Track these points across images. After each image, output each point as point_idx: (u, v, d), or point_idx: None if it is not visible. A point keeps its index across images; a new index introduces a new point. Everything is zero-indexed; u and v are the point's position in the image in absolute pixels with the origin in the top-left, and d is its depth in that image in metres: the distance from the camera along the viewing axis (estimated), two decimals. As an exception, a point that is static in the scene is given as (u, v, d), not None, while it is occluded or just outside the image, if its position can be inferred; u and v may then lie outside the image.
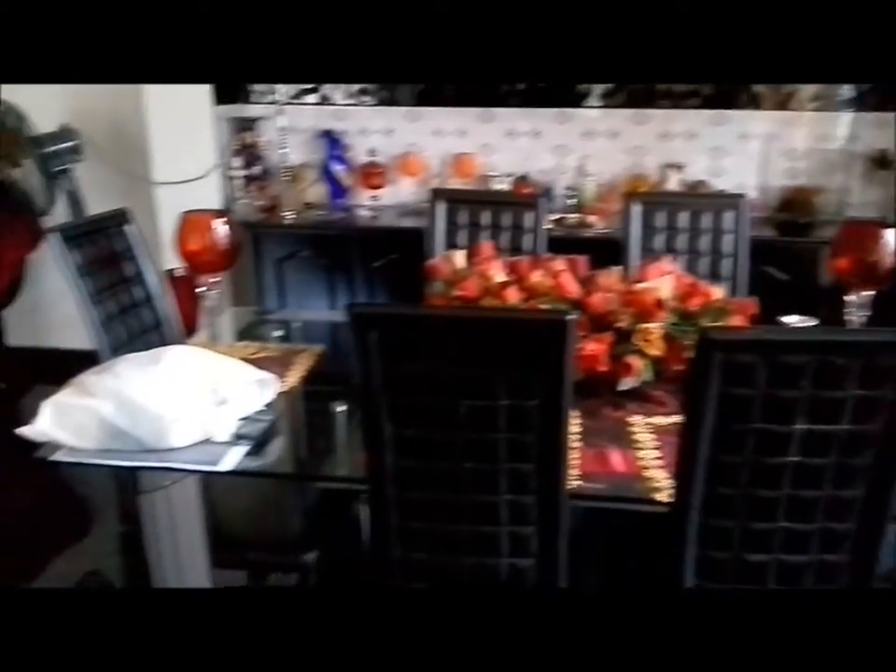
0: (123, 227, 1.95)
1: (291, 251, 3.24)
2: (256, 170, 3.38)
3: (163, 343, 1.98)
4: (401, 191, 3.46)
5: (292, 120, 3.27)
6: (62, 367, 3.72)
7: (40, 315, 3.78)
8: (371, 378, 1.23)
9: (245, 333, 2.14)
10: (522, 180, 3.30)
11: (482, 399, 1.23)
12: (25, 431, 1.50)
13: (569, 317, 1.16)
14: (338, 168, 3.35)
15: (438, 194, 2.33)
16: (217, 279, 1.79)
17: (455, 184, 3.35)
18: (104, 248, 1.90)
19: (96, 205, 3.24)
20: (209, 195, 3.29)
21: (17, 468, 2.97)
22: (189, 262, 1.77)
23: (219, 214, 1.79)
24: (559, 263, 1.74)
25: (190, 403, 1.50)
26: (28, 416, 3.57)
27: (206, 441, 1.50)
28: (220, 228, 1.73)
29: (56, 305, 3.75)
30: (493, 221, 2.26)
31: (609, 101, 3.26)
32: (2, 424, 3.52)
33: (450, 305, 1.58)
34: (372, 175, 3.34)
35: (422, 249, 3.12)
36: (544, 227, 2.27)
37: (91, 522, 2.72)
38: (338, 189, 3.38)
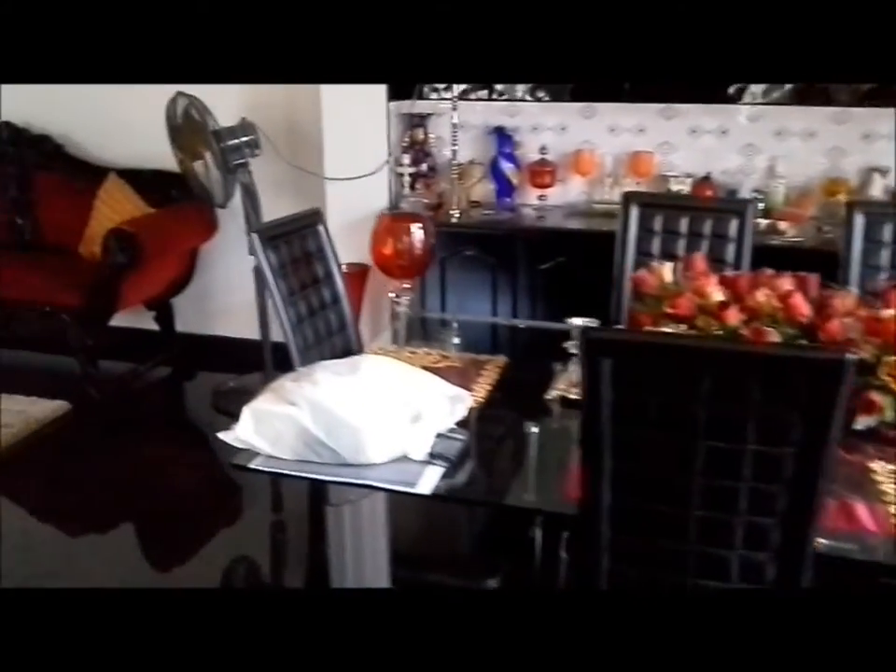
0: (317, 227, 1.92)
1: (454, 250, 3.17)
2: (423, 167, 3.33)
3: (346, 345, 1.94)
4: (570, 191, 3.31)
5: (462, 117, 3.19)
6: (225, 354, 3.86)
7: (207, 304, 3.90)
8: (600, 408, 1.12)
9: (417, 336, 2.07)
10: (704, 181, 3.08)
11: (725, 441, 1.09)
12: (225, 437, 1.48)
13: (849, 357, 0.99)
14: (507, 166, 3.24)
15: (630, 197, 2.19)
16: (409, 284, 1.72)
17: (629, 184, 3.17)
18: (297, 249, 1.87)
19: (268, 200, 3.30)
20: (377, 192, 3.27)
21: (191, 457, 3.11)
22: (381, 265, 1.71)
23: (417, 218, 1.72)
24: (785, 282, 1.56)
25: (387, 417, 1.44)
26: (192, 401, 3.74)
27: (402, 459, 1.43)
28: (417, 232, 1.65)
29: (222, 294, 3.87)
30: (691, 228, 2.09)
31: (804, 97, 2.98)
32: (169, 407, 3.72)
33: (692, 335, 1.43)
34: (542, 173, 3.21)
35: (591, 253, 3.00)
36: (751, 236, 2.08)
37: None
38: (505, 188, 3.28)
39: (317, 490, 1.49)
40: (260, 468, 1.46)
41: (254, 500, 2.84)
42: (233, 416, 3.24)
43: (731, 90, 2.99)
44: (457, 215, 3.14)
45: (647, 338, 1.16)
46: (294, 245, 1.87)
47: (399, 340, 1.86)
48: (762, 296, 1.53)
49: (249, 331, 3.65)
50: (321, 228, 1.95)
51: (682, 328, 1.52)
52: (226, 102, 3.29)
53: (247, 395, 3.37)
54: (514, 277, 3.11)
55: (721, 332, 1.50)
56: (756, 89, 2.97)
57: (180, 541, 2.60)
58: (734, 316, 1.51)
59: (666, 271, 1.65)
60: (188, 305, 3.87)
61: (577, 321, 1.63)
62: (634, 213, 2.15)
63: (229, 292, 3.81)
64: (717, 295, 1.54)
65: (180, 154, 3.21)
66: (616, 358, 1.07)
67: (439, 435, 1.49)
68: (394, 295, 1.74)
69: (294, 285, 1.86)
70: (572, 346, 1.64)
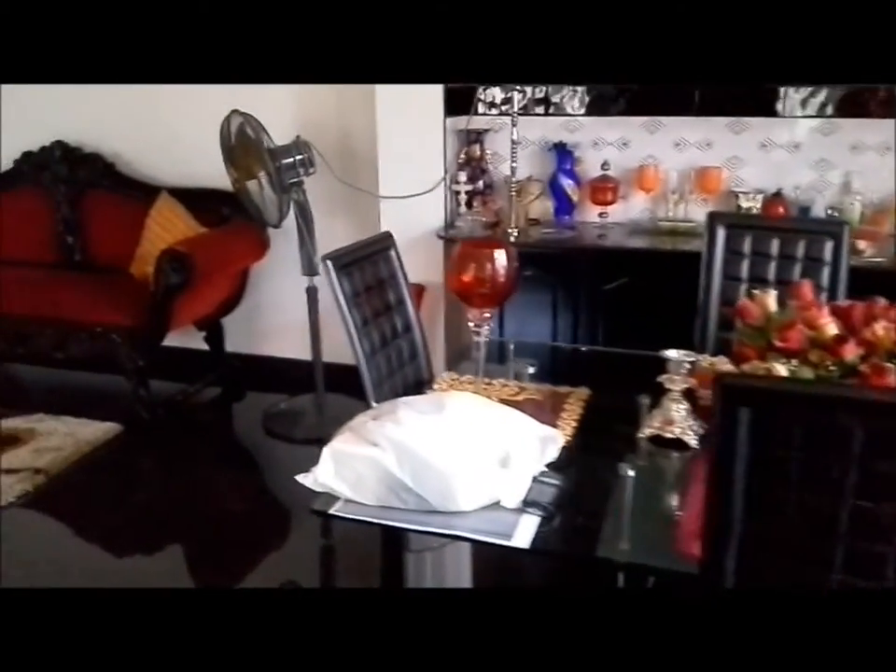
0: (389, 251, 1.84)
1: (512, 269, 3.07)
2: (480, 184, 3.24)
3: (417, 375, 1.85)
4: (632, 208, 3.20)
5: (520, 132, 3.10)
6: (275, 375, 3.80)
7: (257, 324, 3.85)
8: (733, 462, 1.01)
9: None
10: (775, 198, 2.95)
11: (876, 502, 0.97)
12: (304, 480, 1.39)
13: None
14: (566, 182, 3.15)
15: (717, 217, 2.08)
16: (489, 314, 1.63)
17: (695, 200, 3.05)
18: (370, 275, 1.79)
19: (321, 219, 3.24)
20: (432, 210, 3.20)
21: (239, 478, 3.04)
22: (459, 293, 1.62)
23: (499, 244, 1.63)
24: (903, 313, 1.43)
25: (477, 461, 1.34)
26: (242, 422, 3.69)
27: (493, 507, 1.33)
28: (500, 259, 1.56)
29: (272, 314, 3.81)
30: (782, 251, 1.97)
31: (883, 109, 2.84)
32: (219, 428, 3.66)
33: (846, 384, 1.31)
34: (603, 189, 3.11)
35: (655, 273, 2.88)
36: (847, 260, 1.95)
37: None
38: (565, 205, 3.18)
39: (389, 532, 1.40)
40: (341, 514, 1.37)
41: (302, 525, 2.77)
42: (284, 439, 3.25)
43: (799, 102, 2.87)
44: (515, 233, 3.04)
45: (794, 387, 1.05)
46: (367, 270, 1.78)
47: (477, 371, 1.76)
48: (880, 329, 1.40)
49: (299, 352, 3.59)
50: (393, 252, 1.87)
51: (793, 362, 1.40)
52: (280, 120, 3.24)
53: (298, 416, 3.37)
54: (575, 298, 3.01)
55: (835, 369, 1.39)
56: (826, 99, 2.84)
57: (228, 566, 2.54)
58: (851, 351, 1.39)
59: (770, 300, 1.53)
60: (238, 325, 3.82)
61: (672, 353, 1.51)
62: (720, 233, 2.04)
63: (279, 312, 3.76)
64: (831, 327, 1.42)
65: (234, 173, 3.16)
66: (756, 408, 0.96)
67: (532, 481, 1.38)
68: (472, 324, 1.64)
69: (367, 313, 1.77)
70: (667, 381, 1.53)
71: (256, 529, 2.75)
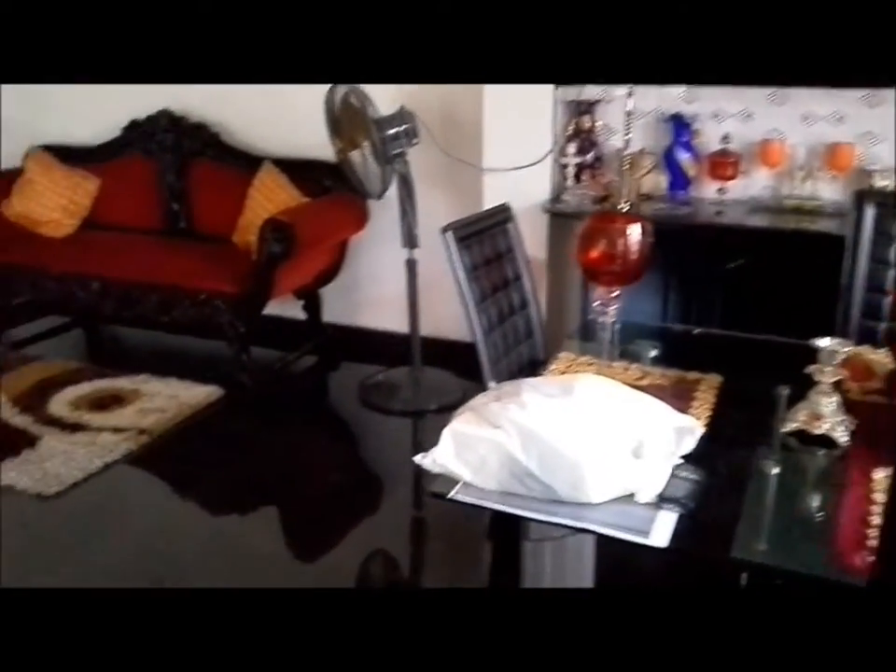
0: (507, 224, 1.76)
1: (621, 247, 2.94)
2: (589, 157, 3.12)
3: (532, 353, 1.78)
4: (754, 184, 3.02)
5: (635, 102, 2.95)
6: (371, 346, 3.79)
7: (355, 295, 3.84)
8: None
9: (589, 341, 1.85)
10: (915, 176, 2.72)
11: None
12: (423, 462, 1.34)
13: None
14: (683, 156, 2.99)
15: (865, 196, 1.91)
16: (617, 293, 1.53)
17: (824, 178, 2.86)
18: (489, 248, 1.72)
19: (422, 190, 3.18)
20: (538, 183, 3.09)
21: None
22: (587, 270, 1.53)
23: (633, 218, 1.52)
24: None
25: (609, 450, 1.26)
26: (338, 391, 3.70)
27: (625, 500, 1.25)
28: (633, 234, 1.46)
29: (370, 286, 3.79)
30: (937, 235, 1.80)
31: None
32: (315, 397, 3.68)
33: None
34: (723, 164, 2.94)
35: (777, 254, 2.71)
36: None
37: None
38: (680, 180, 3.02)
39: (502, 518, 1.33)
40: (461, 498, 1.31)
41: (395, 496, 2.75)
42: (379, 410, 3.23)
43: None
44: (626, 209, 2.91)
45: None
46: (485, 244, 1.71)
47: (601, 353, 1.66)
48: None
49: (396, 324, 3.57)
50: (511, 226, 1.79)
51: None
52: (384, 89, 3.18)
53: (394, 389, 3.35)
54: (689, 278, 2.86)
55: None
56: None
57: (320, 533, 2.54)
58: None
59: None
60: (336, 295, 3.81)
61: (824, 342, 1.39)
62: (869, 213, 1.87)
63: (377, 284, 3.73)
64: None
65: (338, 143, 3.13)
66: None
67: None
68: (598, 303, 1.54)
69: (485, 288, 1.70)
70: (817, 371, 1.41)
71: (349, 498, 2.74)
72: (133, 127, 3.94)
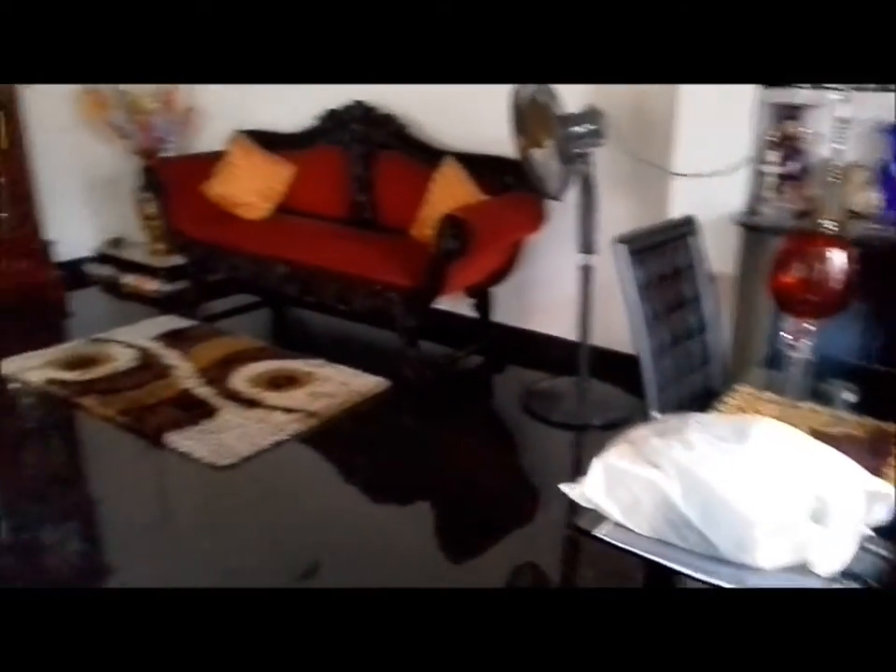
0: (690, 238, 1.63)
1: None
2: (793, 167, 2.85)
3: (707, 383, 1.63)
4: None
5: (850, 109, 2.66)
6: (539, 351, 3.71)
7: (526, 297, 3.77)
8: None
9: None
10: None
11: None
12: (569, 492, 1.26)
13: None
14: (904, 171, 2.66)
15: None
16: (812, 326, 1.36)
17: None
18: (667, 264, 1.59)
19: (603, 193, 3.06)
20: (732, 192, 2.87)
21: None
22: (779, 297, 1.37)
23: (837, 241, 1.35)
24: None
25: (785, 510, 1.11)
26: (501, 394, 3.66)
27: (797, 569, 1.11)
28: (836, 260, 1.29)
29: (543, 289, 3.71)
30: None
31: None
32: (478, 397, 3.67)
33: None
34: (952, 183, 2.58)
35: None
36: None
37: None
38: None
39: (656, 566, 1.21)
40: (608, 538, 1.22)
41: (549, 509, 2.67)
42: (540, 419, 3.15)
43: None
44: (831, 226, 2.63)
45: None
46: (663, 258, 1.59)
47: (785, 390, 1.50)
48: None
49: (566, 331, 3.47)
50: (694, 240, 1.65)
51: None
52: (573, 87, 3.08)
53: (558, 398, 3.26)
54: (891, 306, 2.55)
55: None
56: None
57: (470, 536, 2.54)
58: None
59: None
60: (506, 296, 3.77)
61: None
62: None
63: (550, 287, 3.65)
64: None
65: (522, 140, 3.07)
66: None
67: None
68: (789, 335, 1.38)
69: (658, 306, 1.58)
70: None
71: (501, 505, 2.70)
72: (330, 117, 4.09)
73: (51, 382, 3.32)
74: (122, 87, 4.54)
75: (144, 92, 4.53)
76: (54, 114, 4.55)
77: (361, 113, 3.94)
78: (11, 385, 3.37)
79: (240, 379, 3.36)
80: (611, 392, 3.26)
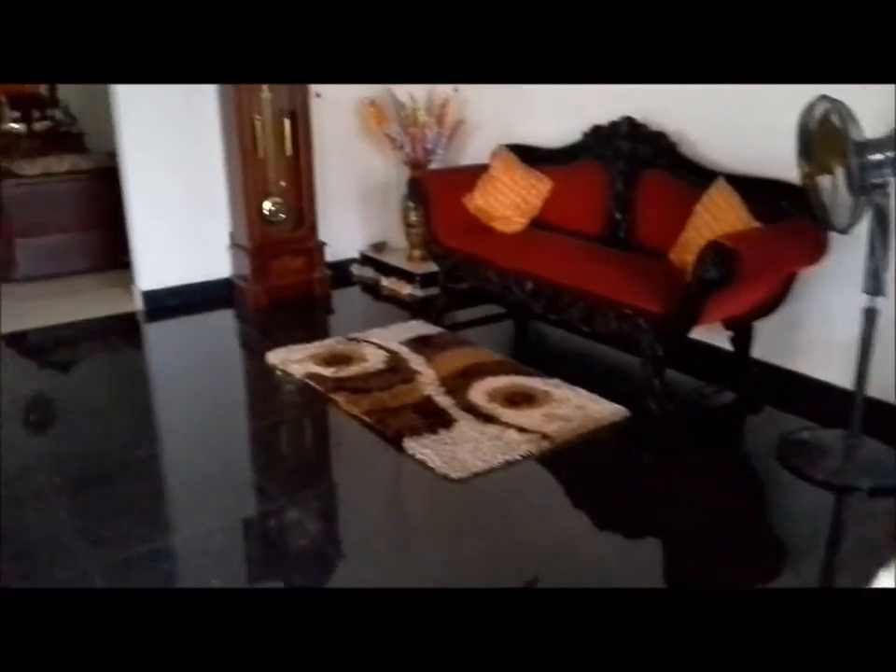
0: None
1: None
2: None
3: None
4: None
5: None
6: (802, 395, 3.33)
7: (794, 335, 3.41)
8: None
9: None
10: None
11: None
12: (885, 580, 1.05)
13: None
14: None
15: None
16: None
17: None
18: None
19: (903, 227, 2.66)
20: None
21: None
22: None
23: None
24: None
25: None
26: (753, 438, 3.33)
27: None
28: None
29: (814, 328, 3.33)
30: None
31: None
32: (726, 438, 3.37)
33: None
34: None
35: None
36: None
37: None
38: None
39: None
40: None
41: (795, 571, 2.35)
42: (797, 473, 2.82)
43: None
44: None
45: None
46: None
47: None
48: None
49: (838, 377, 3.10)
50: None
51: None
52: (874, 109, 2.72)
53: (821, 452, 2.89)
54: None
55: None
56: None
57: (699, 582, 2.33)
58: None
59: None
60: (771, 331, 3.44)
61: None
62: None
63: (823, 326, 3.27)
64: None
65: (806, 165, 2.76)
66: None
67: None
68: None
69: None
70: None
71: (740, 558, 2.44)
72: (595, 132, 3.99)
73: (310, 375, 3.56)
74: (401, 99, 4.79)
75: (419, 105, 4.74)
76: (337, 123, 4.91)
77: (629, 129, 3.80)
78: (277, 375, 3.67)
79: (478, 392, 3.38)
80: (886, 453, 2.84)
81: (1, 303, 4.59)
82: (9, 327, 4.31)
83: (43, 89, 7.01)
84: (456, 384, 3.46)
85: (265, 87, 4.38)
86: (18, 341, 4.20)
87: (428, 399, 3.32)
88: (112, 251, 5.12)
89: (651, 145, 3.73)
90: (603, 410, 3.23)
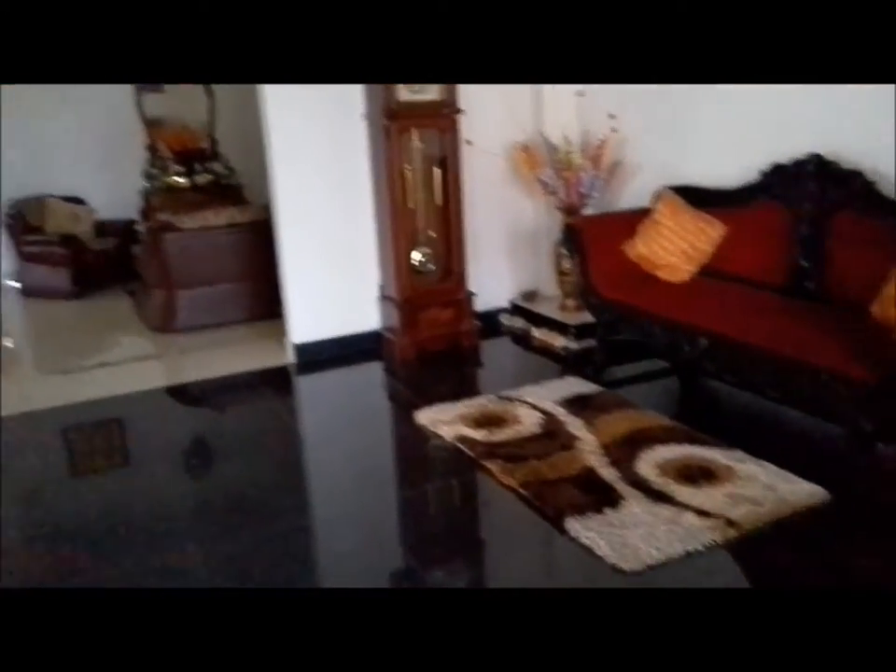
0: None
1: None
2: None
3: None
4: None
5: None
6: None
7: None
8: None
9: None
10: None
11: None
12: None
13: None
14: None
15: None
16: None
17: None
18: None
19: None
20: None
21: None
22: None
23: None
24: None
25: None
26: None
27: None
28: None
29: None
30: None
31: None
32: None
33: None
34: None
35: None
36: None
37: None
38: None
39: None
40: None
41: None
42: None
43: None
44: None
45: None
46: None
47: None
48: None
49: None
50: None
51: None
52: None
53: None
54: None
55: None
56: None
57: None
58: None
59: None
60: None
61: None
62: None
63: None
64: None
65: None
66: None
67: None
68: None
69: None
70: None
71: None
72: (776, 172, 3.60)
73: (461, 438, 3.34)
74: (554, 142, 4.57)
75: (573, 148, 4.50)
76: (486, 170, 4.74)
77: (817, 168, 3.38)
78: (426, 436, 3.47)
79: (647, 463, 3.03)
80: None
81: (165, 356, 4.76)
82: (172, 379, 4.52)
83: (205, 143, 7.35)
84: (621, 453, 3.12)
85: (415, 136, 4.28)
86: (179, 392, 4.33)
87: (591, 471, 3.00)
88: (266, 302, 5.17)
89: (843, 185, 3.29)
90: (798, 491, 2.79)
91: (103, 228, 7.10)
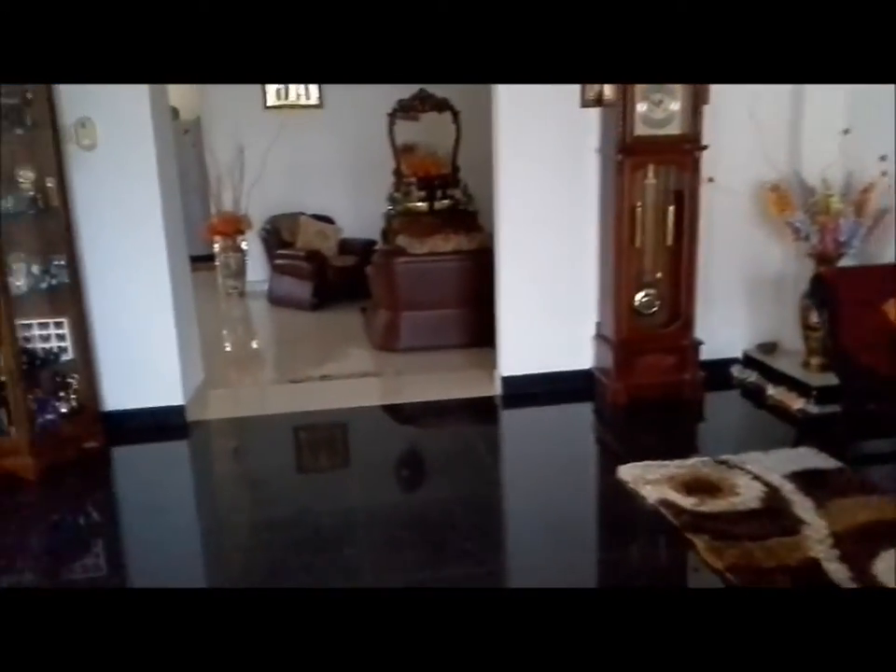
0: None
1: None
2: None
3: None
4: None
5: None
6: None
7: None
8: None
9: None
10: None
11: None
12: None
13: None
14: None
15: None
16: None
17: None
18: None
19: None
20: None
21: None
22: None
23: None
24: None
25: None
26: None
27: None
28: None
29: None
30: None
31: None
32: None
33: None
34: None
35: None
36: None
37: None
38: None
39: None
40: None
41: None
42: None
43: None
44: None
45: None
46: None
47: None
48: None
49: None
50: None
51: None
52: None
53: None
54: None
55: None
56: None
57: None
58: None
59: None
60: None
61: None
62: None
63: None
64: None
65: None
66: None
67: None
68: None
69: None
70: None
71: None
72: None
73: (664, 503, 3.04)
74: (810, 183, 4.10)
75: (833, 191, 4.00)
76: (727, 209, 4.36)
77: None
78: (627, 493, 3.20)
79: (888, 565, 2.55)
80: None
81: (383, 374, 5.02)
82: (389, 399, 4.78)
83: (447, 169, 7.56)
84: (856, 547, 2.66)
85: (651, 172, 4.03)
86: (394, 411, 4.54)
87: (815, 564, 2.58)
88: (481, 329, 5.15)
89: None
90: None
91: (345, 246, 7.53)
